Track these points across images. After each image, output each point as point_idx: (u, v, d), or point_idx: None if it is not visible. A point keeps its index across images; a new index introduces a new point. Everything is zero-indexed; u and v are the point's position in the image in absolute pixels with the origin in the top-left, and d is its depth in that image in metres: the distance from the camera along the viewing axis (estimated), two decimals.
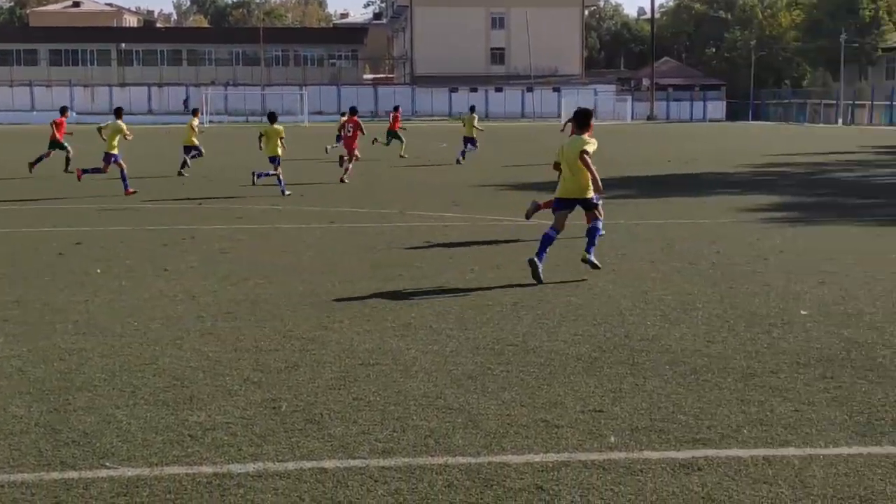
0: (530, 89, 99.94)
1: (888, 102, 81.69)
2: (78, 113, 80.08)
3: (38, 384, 7.24)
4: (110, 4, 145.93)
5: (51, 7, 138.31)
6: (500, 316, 9.46)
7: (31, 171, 27.29)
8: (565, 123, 23.09)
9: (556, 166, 12.13)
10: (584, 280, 11.31)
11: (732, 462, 5.68)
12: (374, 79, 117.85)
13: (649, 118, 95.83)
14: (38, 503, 5.19)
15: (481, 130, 34.81)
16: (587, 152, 11.42)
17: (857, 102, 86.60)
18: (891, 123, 78.46)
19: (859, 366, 7.65)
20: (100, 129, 24.42)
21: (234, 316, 9.50)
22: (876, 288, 10.71)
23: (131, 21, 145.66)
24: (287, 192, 21.65)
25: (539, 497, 5.21)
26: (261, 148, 22.78)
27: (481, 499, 5.19)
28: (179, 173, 27.69)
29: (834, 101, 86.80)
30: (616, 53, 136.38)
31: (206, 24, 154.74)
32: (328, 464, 5.68)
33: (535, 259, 11.28)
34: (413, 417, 6.48)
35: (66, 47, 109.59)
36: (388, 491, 5.30)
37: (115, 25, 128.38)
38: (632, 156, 36.43)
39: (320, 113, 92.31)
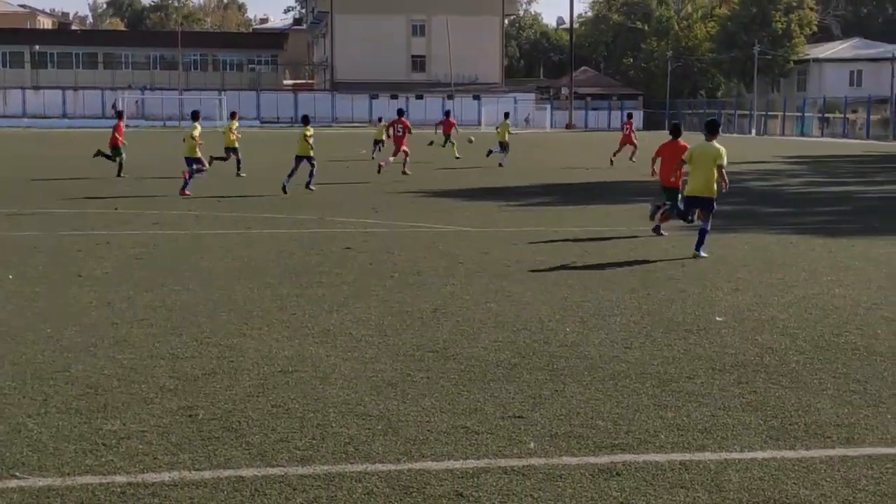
0: (451, 97, 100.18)
1: (799, 113, 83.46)
2: None
3: None
4: (24, 6, 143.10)
5: None
6: (421, 322, 9.45)
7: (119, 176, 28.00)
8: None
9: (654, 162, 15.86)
10: (502, 286, 11.35)
11: (650, 467, 5.73)
12: (294, 84, 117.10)
13: (568, 127, 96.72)
14: None
15: (513, 135, 37.46)
16: (723, 166, 13.70)
17: (769, 113, 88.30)
18: (802, 134, 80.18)
19: (773, 371, 7.78)
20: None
21: (150, 323, 9.35)
22: (788, 295, 10.92)
23: (46, 23, 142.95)
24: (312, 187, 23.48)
25: None
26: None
27: None
28: (238, 174, 28.82)
29: (748, 112, 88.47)
30: (535, 62, 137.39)
31: (122, 28, 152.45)
32: (246, 472, 5.61)
33: (698, 251, 13.59)
34: (332, 425, 6.43)
35: None
36: (306, 499, 5.25)
37: (28, 27, 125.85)
38: (551, 164, 36.70)
39: (239, 118, 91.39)
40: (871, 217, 19.56)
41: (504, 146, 35.54)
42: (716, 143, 13.83)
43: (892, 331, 9.15)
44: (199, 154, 24.20)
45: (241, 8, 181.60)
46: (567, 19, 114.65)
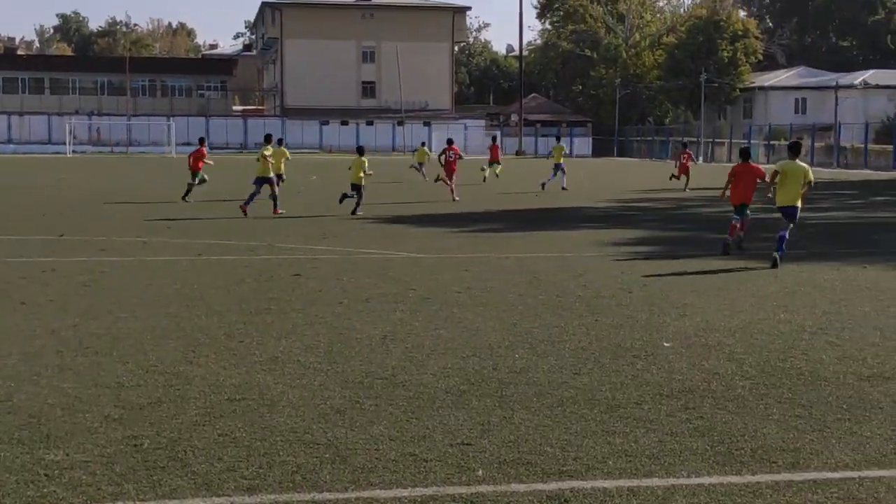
0: (401, 123, 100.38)
1: (746, 140, 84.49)
2: None
3: None
4: None
5: None
6: (370, 349, 9.41)
7: (185, 199, 29.16)
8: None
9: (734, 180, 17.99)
10: (452, 312, 11.35)
11: (598, 493, 5.74)
12: (244, 110, 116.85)
13: (518, 153, 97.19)
14: None
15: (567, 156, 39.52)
16: (812, 181, 16.60)
17: (716, 140, 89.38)
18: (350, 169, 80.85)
19: (719, 396, 7.83)
20: (263, 156, 26.00)
21: (95, 351, 9.23)
22: (735, 320, 11.01)
23: None
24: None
25: None
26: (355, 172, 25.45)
27: None
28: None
29: (695, 139, 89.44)
30: (485, 89, 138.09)
31: (69, 53, 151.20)
32: (191, 502, 5.55)
33: (777, 255, 15.80)
34: (280, 453, 6.38)
35: None
36: None
37: None
38: (500, 190, 36.83)
39: (188, 144, 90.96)
40: (817, 243, 19.82)
41: (559, 168, 37.45)
42: (800, 162, 16.43)
43: (837, 356, 9.26)
44: (271, 174, 25.59)
45: (191, 34, 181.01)
46: (517, 47, 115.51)
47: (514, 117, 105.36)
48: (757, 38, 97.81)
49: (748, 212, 18.11)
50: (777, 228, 16.59)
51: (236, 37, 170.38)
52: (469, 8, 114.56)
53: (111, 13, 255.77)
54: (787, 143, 17.18)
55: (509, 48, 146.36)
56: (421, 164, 43.89)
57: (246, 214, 23.85)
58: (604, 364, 8.89)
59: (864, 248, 18.74)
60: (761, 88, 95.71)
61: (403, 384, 8.13)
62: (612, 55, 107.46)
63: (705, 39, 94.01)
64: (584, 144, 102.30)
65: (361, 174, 25.26)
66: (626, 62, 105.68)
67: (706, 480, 5.96)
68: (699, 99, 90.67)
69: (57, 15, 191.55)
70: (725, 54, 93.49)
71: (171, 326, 10.43)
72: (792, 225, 16.47)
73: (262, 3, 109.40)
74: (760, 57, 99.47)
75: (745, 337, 10.09)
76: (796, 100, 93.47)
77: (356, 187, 25.30)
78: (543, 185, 36.76)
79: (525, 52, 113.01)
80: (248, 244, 18.34)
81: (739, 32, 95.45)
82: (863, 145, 70.28)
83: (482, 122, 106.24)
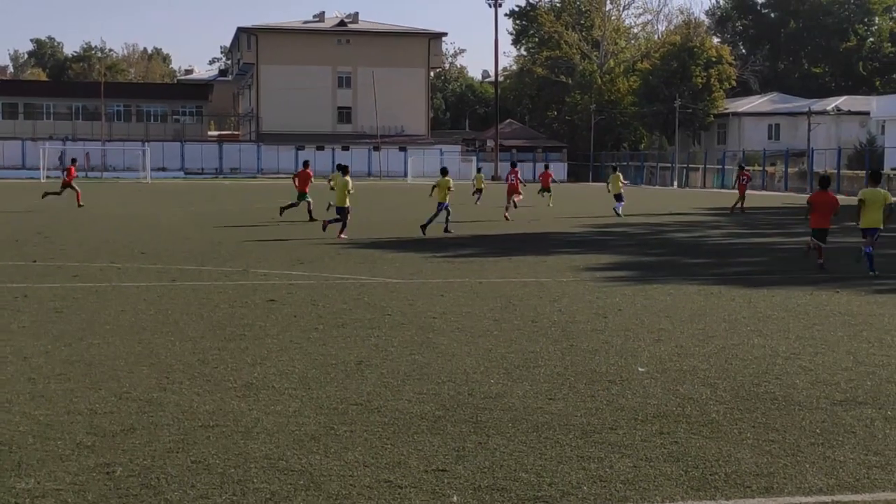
0: (377, 148, 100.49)
1: (720, 166, 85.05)
2: None
3: None
4: None
5: None
6: (345, 375, 9.39)
7: (280, 215, 31.98)
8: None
9: (811, 207, 19.74)
10: (428, 338, 11.34)
11: None
12: (220, 135, 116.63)
13: (493, 178, 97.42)
14: None
15: (626, 183, 40.52)
16: (892, 204, 18.66)
17: (691, 166, 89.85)
18: (722, 186, 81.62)
19: (694, 421, 7.85)
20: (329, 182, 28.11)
21: (68, 377, 9.17)
22: (709, 345, 11.06)
23: None
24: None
25: None
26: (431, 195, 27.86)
27: None
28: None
29: (669, 164, 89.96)
30: (461, 115, 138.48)
31: (44, 78, 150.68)
32: None
33: (871, 271, 18.24)
34: (254, 480, 6.35)
35: None
36: None
37: None
38: (476, 215, 36.89)
39: (163, 169, 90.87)
40: (790, 267, 19.93)
41: (619, 197, 38.29)
42: (880, 189, 18.94)
43: (810, 380, 9.30)
44: (347, 203, 26.47)
45: (166, 59, 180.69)
46: (492, 72, 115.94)
47: (489, 143, 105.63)
48: (730, 64, 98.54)
49: (826, 238, 19.61)
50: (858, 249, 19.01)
51: (212, 62, 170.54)
52: (445, 34, 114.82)
53: (86, 38, 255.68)
54: (869, 171, 19.84)
55: (485, 74, 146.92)
56: (480, 190, 45.56)
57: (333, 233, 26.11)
58: (579, 389, 8.90)
59: (837, 272, 18.86)
60: (735, 114, 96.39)
61: (378, 410, 8.11)
62: (586, 81, 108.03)
63: (679, 66, 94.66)
64: (559, 170, 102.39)
65: (346, 194, 26.37)
66: (600, 88, 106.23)
67: None
68: (674, 124, 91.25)
69: (31, 40, 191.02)
70: (699, 80, 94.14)
71: (144, 352, 10.38)
72: (875, 237, 18.60)
73: (238, 29, 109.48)
74: (734, 83, 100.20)
75: (719, 362, 10.13)
76: (769, 126, 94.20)
77: (341, 209, 26.30)
78: (616, 210, 37.79)
79: (500, 78, 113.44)
80: (223, 270, 18.29)
81: (713, 59, 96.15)
82: (836, 171, 70.82)
83: (458, 148, 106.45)
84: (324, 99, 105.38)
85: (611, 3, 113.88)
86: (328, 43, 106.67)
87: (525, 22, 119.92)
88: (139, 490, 6.13)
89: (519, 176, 38.03)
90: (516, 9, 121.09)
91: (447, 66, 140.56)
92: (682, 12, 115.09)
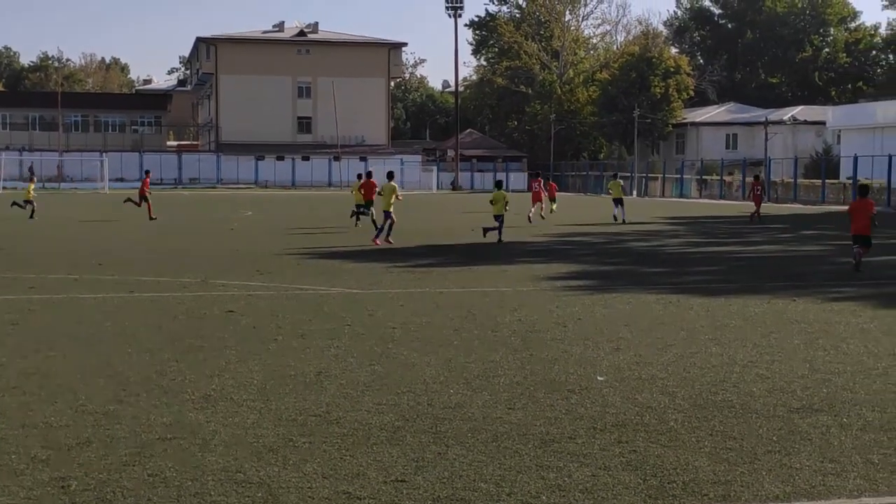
0: (337, 158, 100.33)
1: (678, 175, 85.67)
2: None
3: None
4: None
5: None
6: (304, 386, 9.35)
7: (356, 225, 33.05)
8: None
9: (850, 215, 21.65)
10: (388, 348, 11.33)
11: None
12: (179, 146, 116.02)
13: (454, 188, 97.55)
14: None
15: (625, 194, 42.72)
16: (874, 212, 21.05)
17: (650, 175, 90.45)
18: (681, 195, 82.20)
19: (652, 430, 7.89)
20: (379, 192, 29.17)
21: (23, 390, 9.06)
22: (668, 354, 11.12)
23: None
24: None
25: None
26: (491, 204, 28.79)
27: None
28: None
29: (629, 174, 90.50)
30: (421, 124, 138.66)
31: (0, 88, 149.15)
32: None
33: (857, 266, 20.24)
34: (211, 493, 6.30)
35: None
36: None
37: None
38: (436, 224, 36.93)
39: (121, 179, 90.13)
40: (748, 276, 20.09)
41: (619, 202, 40.66)
42: (868, 199, 21.59)
43: (767, 388, 9.38)
44: (392, 208, 27.63)
45: (124, 69, 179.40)
46: (452, 82, 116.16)
47: (450, 152, 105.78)
48: (688, 74, 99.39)
49: (868, 242, 20.80)
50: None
51: (171, 72, 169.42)
52: (405, 44, 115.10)
53: (43, 48, 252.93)
54: (857, 185, 23.35)
55: (445, 84, 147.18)
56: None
57: (389, 243, 26.97)
58: (538, 399, 8.91)
59: (794, 281, 19.05)
60: (693, 124, 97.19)
61: (338, 421, 8.09)
62: (546, 91, 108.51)
63: (638, 76, 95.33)
64: (519, 179, 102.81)
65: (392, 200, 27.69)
66: (560, 98, 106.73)
67: None
68: (632, 134, 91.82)
69: None
70: (658, 90, 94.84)
71: (101, 365, 10.28)
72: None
73: (198, 39, 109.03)
74: (692, 93, 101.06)
75: (677, 370, 10.19)
76: (727, 135, 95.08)
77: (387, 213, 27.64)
78: (615, 217, 40.01)
79: (461, 88, 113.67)
80: (181, 281, 18.17)
81: (671, 69, 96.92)
82: (792, 180, 71.56)
83: (418, 158, 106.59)
84: (284, 109, 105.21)
85: (570, 14, 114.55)
86: (288, 53, 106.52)
87: (485, 32, 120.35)
88: None
89: (542, 185, 41.10)
90: (476, 19, 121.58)
91: (407, 75, 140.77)
92: (640, 23, 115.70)
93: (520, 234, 32.07)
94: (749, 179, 75.96)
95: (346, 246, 26.69)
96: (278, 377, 9.74)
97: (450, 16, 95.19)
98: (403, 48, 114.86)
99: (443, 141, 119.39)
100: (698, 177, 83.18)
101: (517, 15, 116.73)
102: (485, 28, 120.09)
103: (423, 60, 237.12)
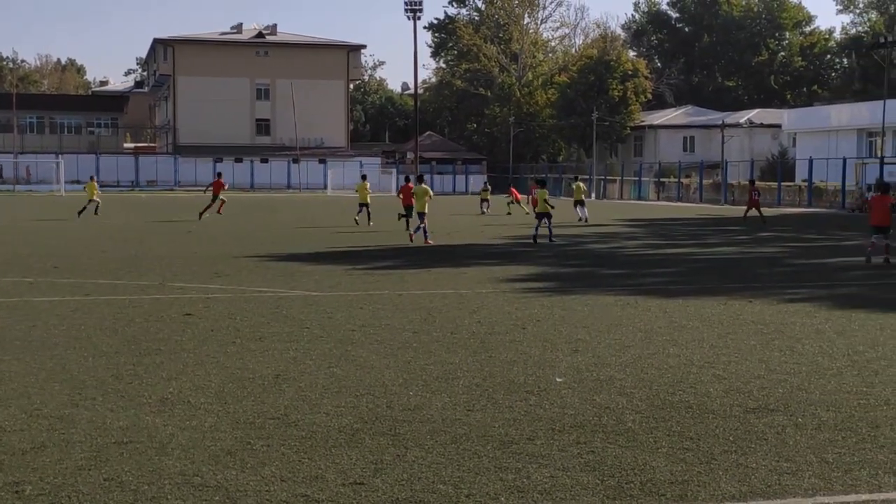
0: (296, 160, 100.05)
1: (636, 178, 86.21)
2: None
3: None
4: None
5: None
6: (262, 389, 9.31)
7: (406, 227, 31.81)
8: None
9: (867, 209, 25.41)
10: (346, 350, 11.30)
11: None
12: (136, 148, 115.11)
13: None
14: None
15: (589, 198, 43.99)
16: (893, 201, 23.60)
17: (608, 177, 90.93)
18: (639, 198, 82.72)
19: (610, 431, 7.93)
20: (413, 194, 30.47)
21: None
22: (626, 355, 11.18)
23: None
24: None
25: None
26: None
27: None
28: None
29: (587, 176, 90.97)
30: (381, 127, 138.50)
31: None
32: None
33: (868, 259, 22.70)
34: (168, 497, 6.26)
35: None
36: None
37: None
38: (396, 227, 36.89)
39: (78, 182, 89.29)
40: (705, 278, 20.25)
41: (580, 203, 42.96)
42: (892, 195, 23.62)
43: (724, 389, 9.45)
44: (426, 209, 29.31)
45: (80, 70, 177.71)
46: (412, 85, 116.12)
47: (409, 155, 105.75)
48: (646, 77, 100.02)
49: (887, 231, 22.86)
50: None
51: (128, 73, 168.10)
52: (364, 46, 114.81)
53: None
54: (876, 182, 27.10)
55: (404, 86, 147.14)
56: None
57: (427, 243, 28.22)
58: (497, 400, 8.93)
59: (750, 282, 19.22)
60: (651, 127, 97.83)
61: (296, 424, 8.06)
62: (505, 94, 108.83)
63: (596, 79, 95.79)
64: (479, 181, 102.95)
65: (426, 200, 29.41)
66: (519, 101, 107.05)
67: None
68: (591, 137, 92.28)
69: None
70: (616, 93, 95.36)
71: (56, 368, 10.18)
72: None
73: (155, 40, 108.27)
74: (650, 96, 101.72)
75: (635, 371, 10.25)
76: (685, 138, 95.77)
77: (421, 214, 29.18)
78: (580, 218, 42.03)
79: (420, 91, 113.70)
80: (139, 283, 18.02)
81: (629, 72, 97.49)
82: (748, 182, 72.17)
83: (378, 160, 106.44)
84: (242, 111, 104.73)
85: (529, 17, 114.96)
86: (246, 54, 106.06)
87: (444, 35, 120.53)
88: None
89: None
90: (435, 21, 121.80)
91: (366, 78, 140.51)
92: (598, 26, 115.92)
93: (476, 236, 32.12)
94: (707, 181, 76.87)
95: (305, 248, 26.60)
96: (236, 380, 9.69)
97: (409, 18, 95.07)
98: (362, 50, 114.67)
99: (402, 143, 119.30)
100: (656, 179, 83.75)
101: (476, 18, 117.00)
102: (444, 30, 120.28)
103: (382, 63, 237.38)
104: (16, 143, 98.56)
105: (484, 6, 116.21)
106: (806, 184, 67.49)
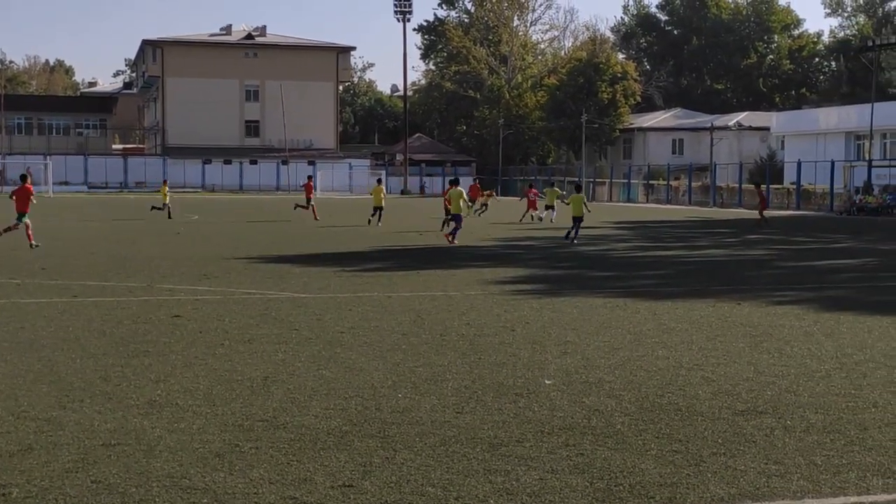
0: (285, 162, 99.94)
1: (626, 180, 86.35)
2: None
3: None
4: None
5: None
6: (250, 391, 9.29)
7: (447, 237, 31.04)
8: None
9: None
10: (335, 353, 11.28)
11: None
12: (125, 149, 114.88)
13: (403, 192, 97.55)
14: None
15: (564, 202, 43.00)
16: None
17: (597, 180, 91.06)
18: (629, 200, 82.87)
19: (599, 433, 7.92)
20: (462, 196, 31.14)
21: None
22: (615, 357, 11.18)
23: None
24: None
25: None
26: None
27: None
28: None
29: (576, 179, 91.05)
30: (370, 129, 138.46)
31: None
32: None
33: None
34: (155, 499, 6.23)
35: None
36: None
37: None
38: (388, 228, 36.86)
39: (66, 183, 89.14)
40: (694, 280, 20.27)
41: (551, 207, 45.42)
42: None
43: (713, 391, 9.46)
44: (463, 211, 30.94)
45: (69, 71, 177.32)
46: (401, 87, 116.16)
47: (398, 157, 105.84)
48: (635, 80, 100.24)
49: None
50: None
51: (116, 74, 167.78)
52: (353, 48, 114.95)
53: None
54: None
55: (394, 88, 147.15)
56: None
57: (452, 242, 29.14)
58: (486, 402, 8.92)
59: (739, 284, 19.25)
60: (640, 129, 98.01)
61: (285, 426, 8.04)
62: (495, 96, 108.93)
63: (585, 81, 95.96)
64: (467, 184, 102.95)
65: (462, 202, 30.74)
66: (508, 103, 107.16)
67: None
68: (580, 139, 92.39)
69: None
70: (605, 96, 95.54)
71: (44, 370, 10.14)
72: None
73: (143, 41, 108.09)
74: (639, 99, 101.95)
75: (624, 374, 10.25)
76: (673, 140, 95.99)
77: (456, 217, 30.25)
78: (541, 218, 44.84)
79: (409, 93, 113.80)
80: (127, 285, 17.97)
81: (618, 75, 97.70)
82: (737, 185, 72.37)
83: (367, 162, 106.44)
84: (231, 112, 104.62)
85: (518, 20, 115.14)
86: (235, 56, 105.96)
87: (433, 37, 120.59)
88: None
89: (537, 193, 47.96)
90: (425, 24, 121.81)
91: (356, 80, 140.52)
92: (587, 29, 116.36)
93: (465, 238, 32.12)
94: (696, 183, 77.03)
95: (294, 250, 26.56)
96: (225, 382, 9.66)
97: (398, 20, 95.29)
98: (352, 52, 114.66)
99: (391, 145, 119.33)
100: (645, 181, 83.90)
101: (466, 20, 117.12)
102: (433, 33, 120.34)
103: (371, 65, 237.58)
104: (4, 144, 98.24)
105: (473, 8, 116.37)
106: (794, 186, 67.66)
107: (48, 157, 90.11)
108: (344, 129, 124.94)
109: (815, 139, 75.45)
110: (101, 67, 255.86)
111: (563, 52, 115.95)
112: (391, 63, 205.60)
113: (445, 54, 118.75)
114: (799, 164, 67.11)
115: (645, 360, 11.04)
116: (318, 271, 20.84)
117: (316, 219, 42.84)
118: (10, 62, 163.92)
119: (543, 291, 17.96)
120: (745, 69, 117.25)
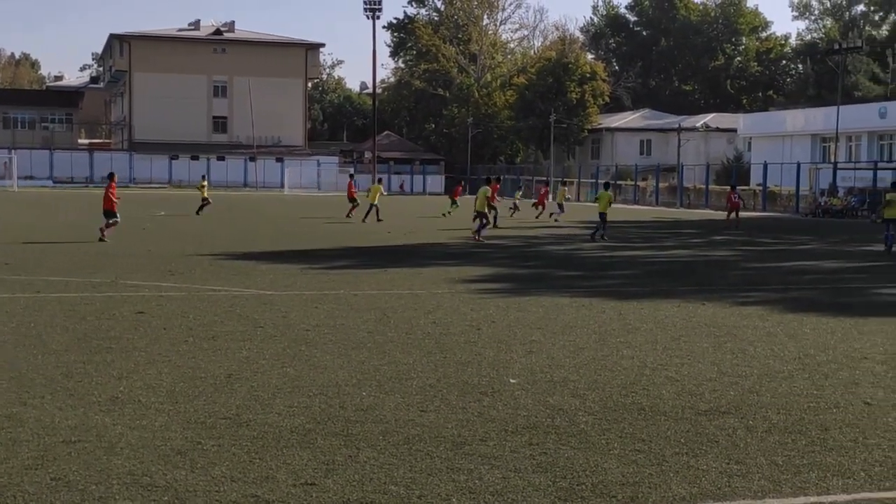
0: (253, 159, 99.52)
1: (594, 180, 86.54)
2: None
3: None
4: None
5: None
6: (214, 389, 9.24)
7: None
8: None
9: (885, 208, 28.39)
10: (300, 350, 11.24)
11: None
12: (91, 144, 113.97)
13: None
14: None
15: (568, 199, 47.21)
16: None
17: (566, 179, 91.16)
18: (596, 200, 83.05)
19: (563, 432, 7.94)
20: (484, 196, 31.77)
21: None
22: (580, 356, 11.20)
23: None
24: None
25: None
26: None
27: None
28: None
29: (545, 178, 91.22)
30: (339, 126, 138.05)
31: None
32: None
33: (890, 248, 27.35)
34: (116, 497, 6.18)
35: None
36: None
37: None
38: (354, 226, 36.79)
39: (31, 178, 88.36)
40: (660, 280, 20.35)
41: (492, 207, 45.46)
42: None
43: (676, 391, 9.50)
44: (486, 209, 31.41)
45: (35, 65, 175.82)
46: (370, 84, 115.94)
47: (367, 154, 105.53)
48: (604, 80, 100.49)
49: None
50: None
51: (83, 68, 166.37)
52: (322, 45, 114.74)
53: None
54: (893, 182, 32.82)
55: (363, 85, 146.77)
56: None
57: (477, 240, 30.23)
58: (450, 401, 8.92)
59: (704, 285, 19.35)
60: (608, 129, 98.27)
61: (248, 424, 8.00)
62: (464, 95, 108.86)
63: (554, 81, 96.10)
64: (436, 182, 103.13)
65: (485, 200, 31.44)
66: (478, 102, 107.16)
67: None
68: (549, 139, 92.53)
69: None
70: (574, 96, 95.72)
71: (4, 366, 10.04)
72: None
73: (111, 35, 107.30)
74: (607, 99, 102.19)
75: (588, 373, 10.27)
76: (641, 141, 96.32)
77: (481, 214, 30.89)
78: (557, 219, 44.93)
79: (378, 90, 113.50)
80: (91, 281, 17.83)
81: (587, 75, 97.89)
82: (704, 186, 72.76)
83: (335, 159, 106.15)
84: (199, 108, 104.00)
85: (488, 18, 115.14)
86: (203, 51, 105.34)
87: (403, 34, 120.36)
88: None
89: (547, 192, 51.60)
90: (394, 21, 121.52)
91: (325, 76, 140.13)
92: (557, 28, 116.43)
93: (433, 236, 32.13)
94: (663, 184, 77.41)
95: (261, 247, 26.45)
96: (188, 379, 9.61)
97: (368, 17, 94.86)
98: (321, 49, 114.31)
99: (360, 143, 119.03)
100: (613, 182, 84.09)
101: (435, 18, 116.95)
102: (403, 30, 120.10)
103: (340, 62, 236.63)
104: None
105: (443, 7, 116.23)
106: (760, 188, 68.11)
107: (13, 152, 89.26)
108: (312, 126, 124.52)
109: (781, 141, 75.96)
110: (67, 61, 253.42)
111: (532, 52, 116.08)
112: (360, 60, 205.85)
113: (415, 52, 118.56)
114: (765, 165, 67.55)
115: (609, 359, 11.07)
116: (284, 268, 20.76)
117: (348, 216, 42.34)
118: None
119: (510, 290, 17.98)
120: (712, 71, 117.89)
